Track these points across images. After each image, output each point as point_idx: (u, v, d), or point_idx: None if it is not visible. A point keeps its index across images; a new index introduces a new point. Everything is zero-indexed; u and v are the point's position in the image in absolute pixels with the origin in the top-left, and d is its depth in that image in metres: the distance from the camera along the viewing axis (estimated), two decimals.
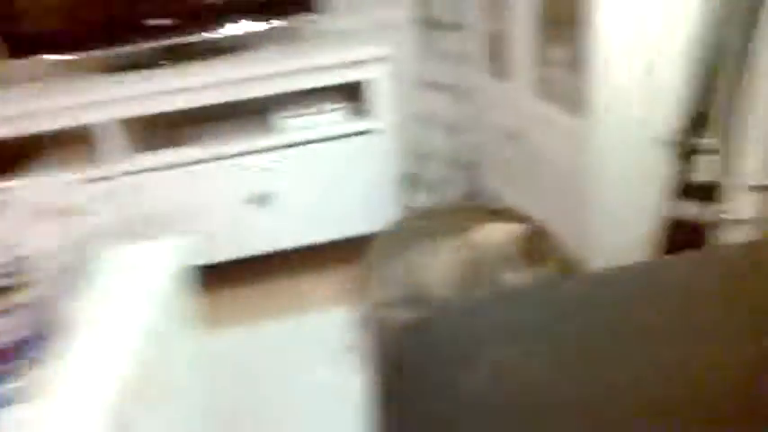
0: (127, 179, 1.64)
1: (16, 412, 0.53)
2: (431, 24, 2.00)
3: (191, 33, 1.80)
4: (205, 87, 1.60)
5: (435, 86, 2.02)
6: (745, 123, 0.87)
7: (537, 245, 1.60)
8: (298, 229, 1.75)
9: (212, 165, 1.67)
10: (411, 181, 2.16)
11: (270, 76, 1.61)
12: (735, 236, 0.76)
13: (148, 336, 0.67)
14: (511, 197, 1.76)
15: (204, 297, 1.78)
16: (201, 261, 1.71)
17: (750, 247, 0.76)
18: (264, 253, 1.77)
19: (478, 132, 1.99)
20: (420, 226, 1.79)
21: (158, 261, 0.85)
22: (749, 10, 0.82)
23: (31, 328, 0.61)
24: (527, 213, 1.64)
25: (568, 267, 1.44)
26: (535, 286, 0.77)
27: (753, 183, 0.91)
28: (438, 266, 1.53)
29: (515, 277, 1.35)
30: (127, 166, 1.63)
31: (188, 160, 1.66)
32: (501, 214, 1.72)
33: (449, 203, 1.84)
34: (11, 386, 0.57)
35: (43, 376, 0.58)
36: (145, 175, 1.64)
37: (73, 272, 0.73)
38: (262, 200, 1.69)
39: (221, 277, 1.85)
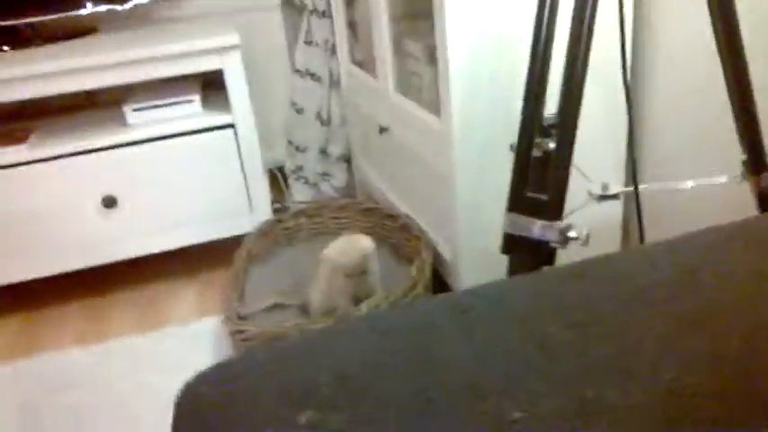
0: None
1: None
2: (299, 9, 1.90)
3: (36, 13, 1.61)
4: (48, 75, 1.42)
5: (308, 75, 1.92)
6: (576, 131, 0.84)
7: (404, 244, 1.56)
8: (153, 234, 1.61)
9: (54, 164, 1.49)
10: (285, 174, 2.06)
11: (119, 64, 1.45)
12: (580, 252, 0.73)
13: None
14: (384, 190, 1.71)
15: (39, 314, 1.62)
16: (36, 273, 1.56)
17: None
18: (116, 261, 1.62)
19: (352, 123, 1.92)
20: (289, 227, 1.70)
21: None
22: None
23: None
24: (396, 211, 1.60)
25: (434, 270, 1.41)
26: (376, 315, 0.71)
27: (592, 191, 0.89)
28: (307, 277, 1.47)
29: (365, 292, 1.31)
30: None
31: (25, 159, 1.48)
32: (372, 213, 1.67)
33: (321, 201, 1.76)
34: None
35: None
36: None
37: None
38: (110, 202, 1.54)
39: (60, 292, 1.69)
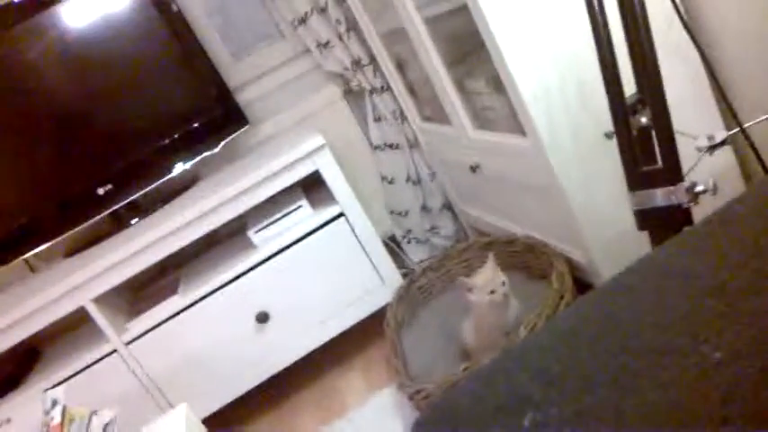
0: (129, 348, 1.63)
1: None
2: (358, 93, 2.05)
3: (143, 186, 1.83)
4: (178, 230, 1.61)
5: (387, 147, 2.04)
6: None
7: (533, 262, 1.60)
8: (306, 334, 1.73)
9: (206, 302, 1.66)
10: (399, 242, 2.16)
11: (229, 200, 1.63)
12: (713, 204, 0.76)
13: None
14: (495, 223, 1.77)
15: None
16: (220, 402, 1.70)
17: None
18: (288, 366, 1.75)
19: (442, 174, 2.01)
20: (422, 286, 1.79)
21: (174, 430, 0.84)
22: None
23: None
24: (514, 236, 1.64)
25: (574, 277, 1.44)
26: (549, 324, 0.76)
27: (700, 145, 0.92)
28: (454, 324, 1.53)
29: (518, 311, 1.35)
30: (128, 334, 1.63)
31: (175, 311, 1.65)
32: (492, 245, 1.72)
33: (442, 253, 1.83)
34: None
35: None
36: (147, 337, 1.64)
37: None
38: (264, 318, 1.69)
39: (246, 410, 1.83)
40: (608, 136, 0.94)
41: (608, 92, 0.92)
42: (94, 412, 0.85)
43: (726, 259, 0.69)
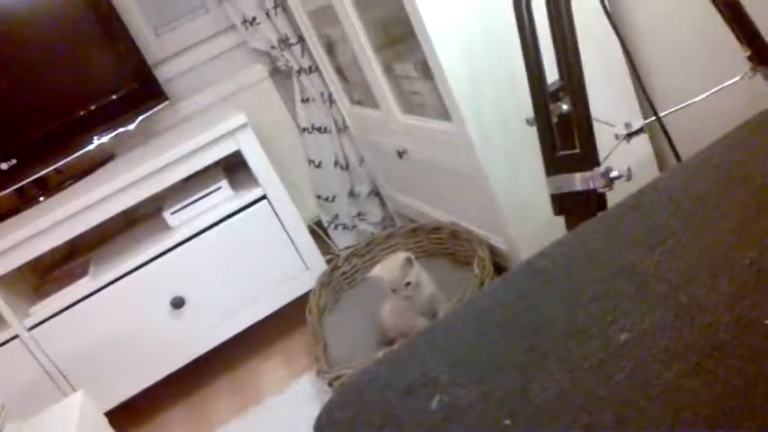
0: (32, 333, 1.53)
1: None
2: (286, 73, 1.99)
3: (52, 161, 1.72)
4: (88, 208, 1.52)
5: (315, 129, 2.00)
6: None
7: (457, 248, 1.60)
8: (226, 319, 1.67)
9: (117, 285, 1.58)
10: (324, 228, 2.12)
11: (148, 176, 1.54)
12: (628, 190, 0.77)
13: None
14: (422, 210, 1.76)
15: (149, 424, 1.69)
16: (132, 391, 1.63)
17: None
18: (197, 356, 1.68)
19: (370, 160, 1.98)
20: (346, 272, 1.76)
21: (66, 425, 0.78)
22: None
23: None
24: (438, 223, 1.64)
25: (496, 265, 1.45)
26: (460, 307, 0.75)
27: (618, 133, 0.93)
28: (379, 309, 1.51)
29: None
30: (23, 324, 1.53)
31: (85, 293, 1.56)
32: (417, 232, 1.72)
33: (367, 239, 1.81)
34: None
35: None
36: (52, 321, 1.54)
37: None
38: (179, 303, 1.62)
39: (164, 397, 1.76)
40: (529, 123, 0.94)
41: (529, 78, 0.92)
42: None
43: (636, 243, 0.69)
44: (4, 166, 1.69)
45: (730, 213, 0.68)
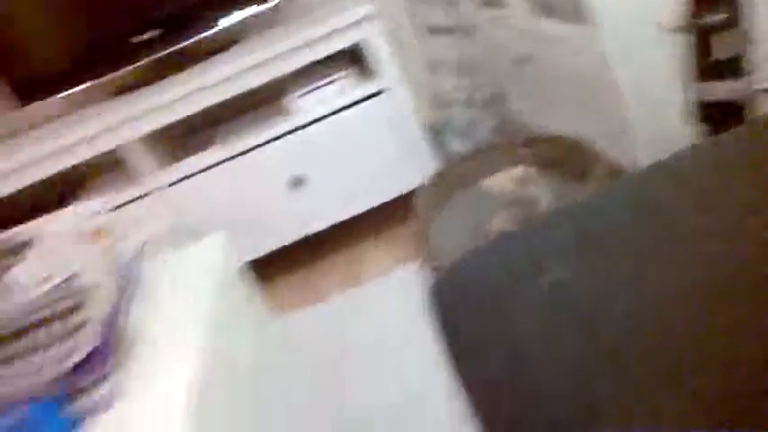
0: (162, 193, 1.67)
1: (98, 421, 0.57)
2: None
3: (183, 38, 1.80)
4: (214, 85, 1.60)
5: (437, 30, 1.97)
6: None
7: (575, 162, 1.57)
8: (338, 204, 1.76)
9: (240, 159, 1.68)
10: (438, 131, 2.13)
11: (270, 60, 1.60)
12: None
13: (212, 333, 0.69)
14: (540, 120, 1.73)
15: (262, 287, 1.82)
16: (251, 255, 1.75)
17: None
18: (312, 233, 1.78)
19: (491, 66, 1.94)
20: (459, 173, 1.77)
21: (209, 259, 0.87)
22: None
23: (99, 342, 0.64)
24: (558, 134, 1.61)
25: (615, 175, 1.41)
26: (578, 202, 0.75)
27: None
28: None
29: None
30: (159, 180, 1.66)
31: (216, 161, 1.68)
32: (537, 142, 1.69)
33: (483, 146, 1.81)
34: (90, 398, 0.61)
35: (117, 386, 0.62)
36: (178, 185, 1.68)
37: (129, 285, 0.75)
38: (296, 183, 1.70)
39: (275, 267, 1.89)
40: (665, 29, 0.89)
41: None
42: (128, 233, 0.88)
43: None
44: (146, 36, 1.79)
45: None
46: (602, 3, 1.14)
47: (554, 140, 1.62)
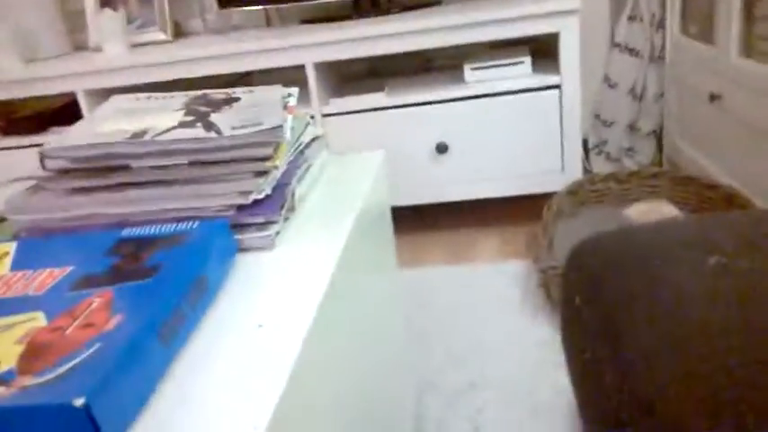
0: (324, 120, 1.79)
1: (259, 256, 0.67)
2: None
3: None
4: (395, 36, 1.67)
5: (626, 50, 1.95)
6: None
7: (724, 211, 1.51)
8: (474, 181, 1.79)
9: (402, 111, 1.75)
10: (592, 147, 2.12)
11: (458, 27, 1.65)
12: None
13: (361, 222, 0.76)
14: (704, 164, 1.68)
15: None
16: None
17: None
18: (439, 202, 1.84)
19: (671, 97, 1.90)
20: (598, 190, 1.76)
21: (369, 167, 0.95)
22: None
23: (274, 192, 0.73)
24: (717, 182, 1.56)
25: None
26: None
27: None
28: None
29: None
30: (324, 108, 1.78)
31: (376, 106, 1.76)
32: (688, 182, 1.65)
33: (633, 169, 1.78)
34: (257, 234, 0.70)
35: (284, 230, 0.71)
36: (337, 118, 1.78)
37: (302, 159, 0.84)
38: (443, 149, 1.76)
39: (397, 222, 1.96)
40: None
41: None
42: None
43: None
44: None
45: None
46: None
47: (710, 187, 1.57)
